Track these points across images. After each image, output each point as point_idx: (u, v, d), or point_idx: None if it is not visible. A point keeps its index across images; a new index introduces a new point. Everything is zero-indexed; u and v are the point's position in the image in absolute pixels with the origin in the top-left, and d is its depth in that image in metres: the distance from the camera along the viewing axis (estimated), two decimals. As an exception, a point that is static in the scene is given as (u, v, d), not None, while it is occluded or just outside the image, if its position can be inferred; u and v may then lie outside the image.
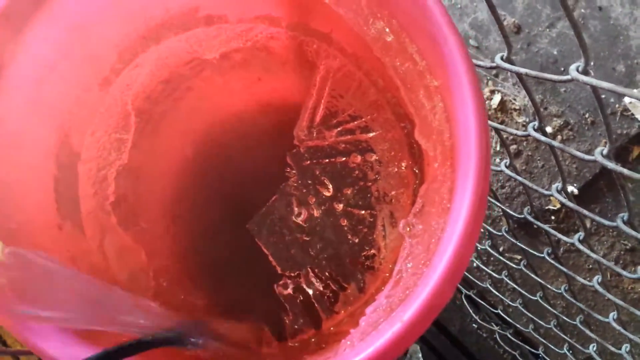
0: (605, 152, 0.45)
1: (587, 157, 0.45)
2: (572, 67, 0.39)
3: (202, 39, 0.59)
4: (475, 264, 1.31)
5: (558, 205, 1.37)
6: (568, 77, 0.39)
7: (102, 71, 0.57)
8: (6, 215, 0.47)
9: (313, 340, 0.57)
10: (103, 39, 0.55)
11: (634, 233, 0.50)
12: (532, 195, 1.32)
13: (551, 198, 1.38)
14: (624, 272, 0.57)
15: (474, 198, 0.37)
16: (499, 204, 0.71)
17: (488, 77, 1.37)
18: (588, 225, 1.37)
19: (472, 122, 0.37)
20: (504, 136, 1.36)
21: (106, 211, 0.59)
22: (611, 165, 0.43)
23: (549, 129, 1.33)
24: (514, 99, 1.36)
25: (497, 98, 1.37)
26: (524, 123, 1.36)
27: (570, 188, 1.34)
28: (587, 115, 1.33)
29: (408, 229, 0.43)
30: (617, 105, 1.30)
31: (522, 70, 0.43)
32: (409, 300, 0.36)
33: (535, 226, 1.38)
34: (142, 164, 0.65)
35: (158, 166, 0.67)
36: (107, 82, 0.58)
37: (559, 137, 1.32)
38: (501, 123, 1.38)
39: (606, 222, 0.52)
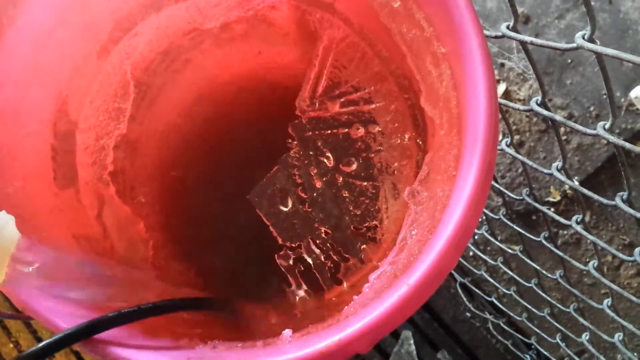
0: (607, 126, 0.44)
1: (589, 131, 0.45)
2: (578, 34, 0.38)
3: (203, 7, 0.58)
4: (471, 253, 1.31)
5: (558, 197, 1.37)
6: (574, 44, 0.39)
7: (101, 39, 0.57)
8: (4, 179, 0.47)
9: (316, 311, 0.56)
10: (101, 5, 0.54)
11: (632, 211, 0.49)
12: (532, 179, 1.32)
13: (551, 190, 1.38)
14: (620, 254, 0.57)
15: (482, 165, 0.36)
16: (497, 185, 0.70)
17: (494, 66, 1.37)
18: (587, 218, 1.37)
19: (481, 88, 0.36)
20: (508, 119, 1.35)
21: (105, 181, 0.59)
22: (612, 138, 0.43)
23: (551, 120, 1.32)
24: (519, 89, 1.36)
25: (502, 87, 1.37)
26: (527, 113, 1.35)
27: (570, 180, 1.34)
28: (591, 109, 1.32)
29: (413, 196, 0.43)
30: (622, 100, 1.30)
31: (527, 38, 0.42)
32: (415, 266, 0.35)
33: (533, 217, 1.38)
34: (139, 136, 0.64)
35: (156, 139, 0.67)
36: (105, 50, 0.57)
37: (562, 129, 1.32)
38: (505, 112, 1.38)
39: (605, 201, 0.51)
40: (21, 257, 0.37)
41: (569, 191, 1.33)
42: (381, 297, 0.35)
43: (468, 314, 1.32)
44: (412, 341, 1.24)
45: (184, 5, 0.57)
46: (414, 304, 0.35)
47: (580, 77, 1.31)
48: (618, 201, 0.51)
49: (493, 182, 0.74)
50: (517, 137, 1.36)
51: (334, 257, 0.59)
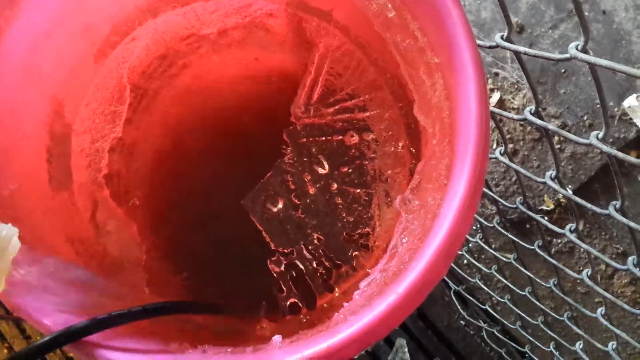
0: (600, 135, 0.44)
1: (582, 140, 0.45)
2: (572, 45, 0.39)
3: (200, 13, 0.58)
4: (465, 261, 1.31)
5: (551, 206, 1.37)
6: (567, 55, 0.39)
7: (98, 42, 0.57)
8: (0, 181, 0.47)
9: (307, 318, 0.56)
10: (99, 9, 0.55)
11: (625, 220, 0.50)
12: (525, 187, 1.32)
13: (545, 198, 1.38)
14: (614, 263, 0.57)
15: (472, 175, 0.36)
16: (492, 194, 0.70)
17: (488, 76, 1.37)
18: (580, 227, 1.37)
19: (473, 99, 0.37)
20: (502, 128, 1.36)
21: (99, 184, 0.59)
22: (605, 148, 0.43)
23: (545, 129, 1.32)
24: (513, 98, 1.36)
25: (496, 96, 1.38)
26: (521, 122, 1.36)
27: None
28: (585, 118, 1.33)
29: (404, 204, 0.43)
30: (615, 109, 1.31)
31: (522, 48, 0.43)
32: (404, 274, 0.35)
33: (527, 225, 1.38)
34: (135, 140, 0.64)
35: (151, 144, 0.67)
36: (102, 54, 0.57)
37: (556, 137, 1.33)
38: (499, 122, 1.39)
39: (598, 210, 0.52)
40: (20, 264, 0.37)
41: (562, 200, 1.33)
42: (371, 304, 0.36)
43: (462, 322, 1.32)
44: (406, 349, 1.23)
45: (182, 10, 0.58)
46: (403, 312, 0.36)
47: (573, 87, 1.32)
48: (611, 210, 0.51)
49: (487, 191, 0.75)
50: (511, 145, 1.37)
51: (326, 264, 0.59)
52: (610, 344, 0.80)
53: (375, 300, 0.36)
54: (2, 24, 0.48)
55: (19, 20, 0.49)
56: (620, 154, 0.41)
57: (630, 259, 0.56)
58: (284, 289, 0.59)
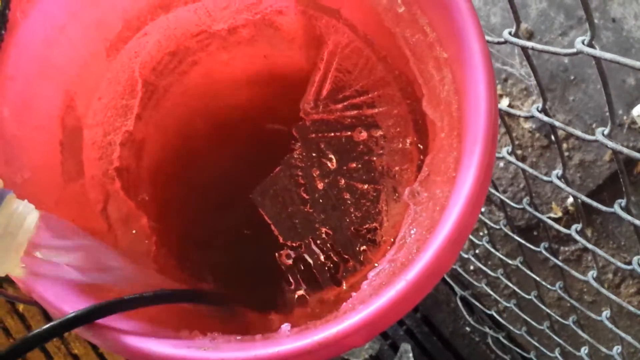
0: (606, 132, 0.45)
1: (588, 137, 0.45)
2: (578, 39, 0.39)
3: (211, 9, 0.59)
4: (472, 267, 1.31)
5: (559, 214, 1.37)
6: (573, 50, 0.40)
7: (110, 37, 0.58)
8: (13, 168, 0.48)
9: (316, 310, 0.57)
10: (112, 4, 0.56)
11: (630, 218, 0.50)
12: (533, 193, 1.32)
13: (552, 205, 1.38)
14: (619, 263, 0.57)
15: (480, 168, 0.37)
16: (499, 194, 0.71)
17: (497, 81, 1.38)
18: (588, 235, 1.37)
19: (482, 92, 0.37)
20: (511, 132, 1.36)
21: (110, 176, 0.60)
22: (610, 144, 0.43)
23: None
24: (522, 104, 1.37)
25: (504, 102, 1.38)
26: (530, 129, 1.36)
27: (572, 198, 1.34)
28: (594, 126, 1.33)
29: (413, 196, 0.43)
30: (625, 117, 1.30)
31: (529, 43, 0.43)
32: (413, 263, 0.36)
33: (534, 232, 1.38)
34: (145, 136, 0.65)
35: (161, 139, 0.68)
36: (115, 48, 0.58)
37: (565, 145, 1.33)
38: (508, 127, 1.39)
39: (603, 208, 0.52)
40: (36, 242, 0.37)
41: (570, 207, 1.33)
42: (379, 293, 0.36)
43: (468, 329, 1.31)
44: (411, 354, 1.23)
45: (193, 6, 0.59)
46: (411, 300, 0.36)
47: (582, 94, 1.32)
48: (617, 208, 0.51)
49: (496, 193, 0.75)
50: (519, 152, 1.37)
51: (334, 258, 0.59)
52: (615, 348, 0.80)
53: (383, 289, 0.36)
54: (18, 17, 0.49)
55: (34, 13, 0.50)
56: (626, 150, 0.42)
57: (635, 258, 0.56)
58: (292, 281, 0.60)
